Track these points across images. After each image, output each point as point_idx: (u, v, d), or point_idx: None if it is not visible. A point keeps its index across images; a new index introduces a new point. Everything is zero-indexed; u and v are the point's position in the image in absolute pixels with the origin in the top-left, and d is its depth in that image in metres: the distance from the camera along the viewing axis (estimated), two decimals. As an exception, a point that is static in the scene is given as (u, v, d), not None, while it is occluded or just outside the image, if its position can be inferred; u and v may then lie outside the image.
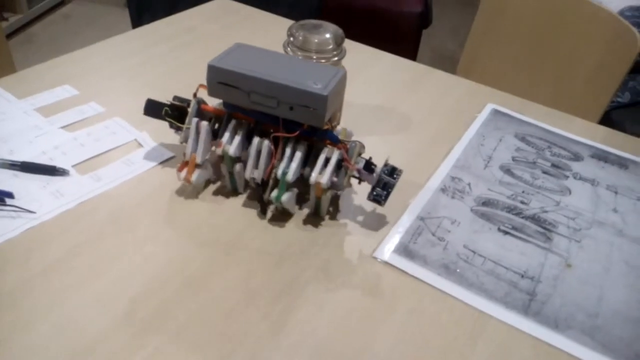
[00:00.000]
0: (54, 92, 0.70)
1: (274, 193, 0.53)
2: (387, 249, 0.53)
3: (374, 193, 0.54)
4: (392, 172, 0.54)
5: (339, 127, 0.59)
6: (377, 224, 0.57)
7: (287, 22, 0.98)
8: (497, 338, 0.47)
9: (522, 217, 0.59)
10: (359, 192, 0.61)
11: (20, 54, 2.28)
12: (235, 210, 0.56)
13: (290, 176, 0.53)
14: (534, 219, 0.59)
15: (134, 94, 0.73)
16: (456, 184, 0.63)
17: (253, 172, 0.54)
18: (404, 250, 0.53)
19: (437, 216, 0.58)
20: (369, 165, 0.54)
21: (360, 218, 0.57)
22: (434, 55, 2.65)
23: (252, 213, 0.56)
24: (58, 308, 0.45)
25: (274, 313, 0.47)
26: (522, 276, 0.52)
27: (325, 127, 0.54)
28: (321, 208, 0.56)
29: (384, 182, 0.54)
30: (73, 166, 0.58)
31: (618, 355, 0.46)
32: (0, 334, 0.42)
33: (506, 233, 0.57)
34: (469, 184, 0.63)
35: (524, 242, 0.56)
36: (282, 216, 0.56)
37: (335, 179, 0.53)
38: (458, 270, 0.52)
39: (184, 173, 0.55)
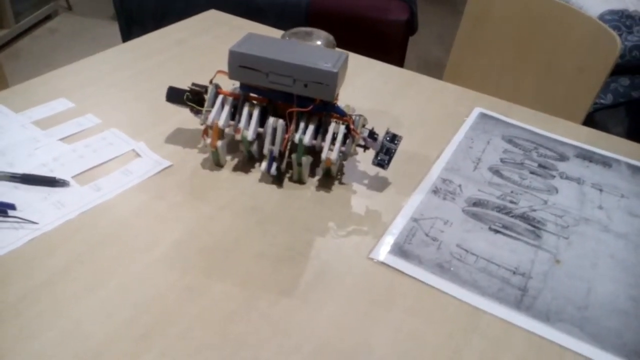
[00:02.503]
0: (50, 105, 0.71)
1: (294, 155, 0.59)
2: (383, 250, 0.55)
3: (378, 158, 0.61)
4: (393, 138, 0.61)
5: (342, 104, 0.64)
6: (371, 225, 0.58)
7: (277, 32, 1.00)
8: (492, 332, 0.48)
9: (512, 216, 0.61)
10: (353, 195, 0.62)
11: (8, 68, 2.28)
12: (232, 217, 0.58)
13: (307, 139, 0.58)
14: (523, 217, 0.61)
15: (130, 106, 0.74)
16: (447, 185, 0.65)
17: (270, 146, 0.60)
18: (399, 250, 0.55)
19: (430, 217, 0.60)
20: (372, 134, 0.61)
21: (354, 221, 0.59)
22: (420, 62, 2.69)
23: (249, 219, 0.58)
24: (63, 316, 0.46)
25: (274, 315, 0.48)
26: (514, 273, 0.54)
27: (334, 101, 0.61)
28: (332, 170, 0.63)
29: (387, 148, 0.61)
30: (73, 177, 0.59)
31: (607, 345, 0.48)
32: (6, 343, 0.43)
33: (497, 232, 0.59)
34: (459, 186, 0.65)
35: (515, 240, 0.58)
36: (278, 220, 0.58)
37: (343, 148, 0.60)
38: (452, 269, 0.54)
39: (208, 140, 0.61)
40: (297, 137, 0.59)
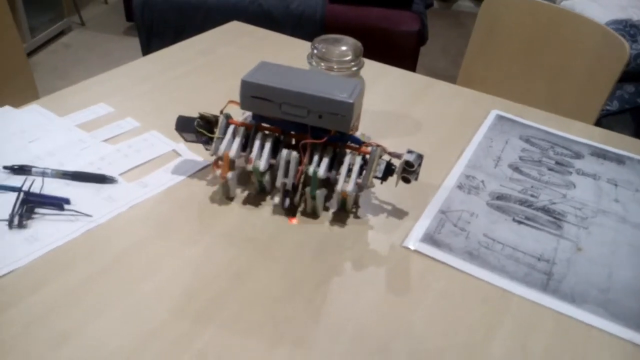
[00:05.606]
0: (91, 109, 0.75)
1: (308, 188, 0.58)
2: (415, 239, 0.58)
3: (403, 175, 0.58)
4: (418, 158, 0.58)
5: (358, 133, 0.64)
6: (401, 219, 0.62)
7: (299, 42, 1.04)
8: (521, 313, 0.52)
9: (534, 209, 0.65)
10: (383, 191, 0.66)
11: (24, 82, 2.33)
12: (269, 212, 0.61)
13: (322, 172, 0.57)
14: (545, 210, 0.65)
15: (165, 111, 0.78)
16: (471, 181, 0.69)
17: (284, 179, 0.58)
18: (430, 239, 0.58)
19: (457, 210, 0.63)
20: (389, 167, 0.59)
21: (385, 214, 0.62)
22: (427, 73, 2.74)
23: (283, 216, 0.61)
24: (121, 300, 0.49)
25: (316, 300, 0.51)
26: (539, 259, 0.57)
27: (350, 132, 0.59)
28: (347, 204, 0.61)
29: (406, 161, 0.57)
30: (120, 175, 0.63)
31: (629, 323, 0.51)
32: (72, 322, 0.46)
33: (520, 223, 0.62)
34: (482, 181, 0.69)
35: (538, 231, 0.61)
36: (310, 217, 0.61)
37: (359, 180, 0.58)
38: (481, 256, 0.57)
39: (218, 171, 0.59)
40: (311, 169, 0.57)
